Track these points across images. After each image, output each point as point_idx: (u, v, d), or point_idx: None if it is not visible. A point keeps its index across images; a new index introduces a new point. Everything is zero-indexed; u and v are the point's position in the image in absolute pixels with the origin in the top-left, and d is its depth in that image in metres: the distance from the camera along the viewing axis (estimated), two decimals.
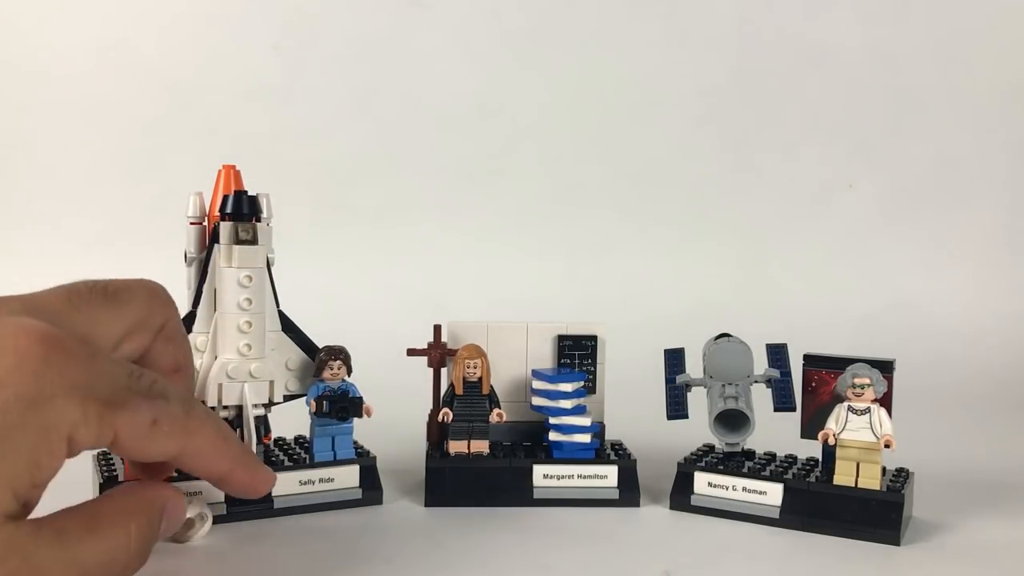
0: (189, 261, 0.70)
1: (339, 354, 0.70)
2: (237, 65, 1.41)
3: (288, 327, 0.71)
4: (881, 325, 1.33)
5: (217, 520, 0.66)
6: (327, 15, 1.43)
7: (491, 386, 0.72)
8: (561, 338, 0.77)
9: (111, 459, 0.69)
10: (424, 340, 0.76)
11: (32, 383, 0.43)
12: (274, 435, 0.75)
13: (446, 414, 0.72)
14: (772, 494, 0.69)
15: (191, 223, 0.70)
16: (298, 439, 0.75)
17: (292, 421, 0.74)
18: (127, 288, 0.52)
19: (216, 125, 1.38)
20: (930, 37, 1.45)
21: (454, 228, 1.43)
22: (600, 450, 0.74)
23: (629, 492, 0.72)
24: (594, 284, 1.39)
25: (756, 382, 0.73)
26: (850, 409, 0.66)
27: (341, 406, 0.69)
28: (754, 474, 0.70)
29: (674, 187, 1.46)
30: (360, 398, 0.70)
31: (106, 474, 0.66)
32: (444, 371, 0.76)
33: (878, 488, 0.66)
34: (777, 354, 0.75)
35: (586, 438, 0.73)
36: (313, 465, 0.70)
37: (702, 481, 0.71)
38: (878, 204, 1.46)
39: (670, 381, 0.76)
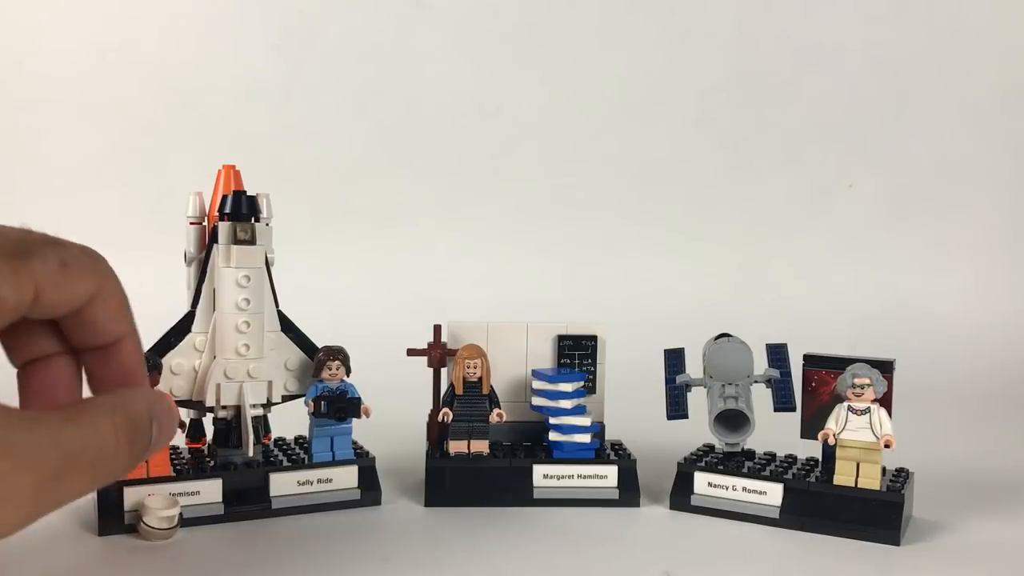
0: (189, 261, 0.70)
1: (338, 354, 0.69)
2: (237, 65, 1.41)
3: (288, 327, 0.71)
4: (881, 325, 1.33)
5: (215, 520, 0.66)
6: (327, 15, 1.43)
7: (491, 386, 0.72)
8: (561, 338, 0.77)
9: None
10: (424, 340, 0.76)
11: None
12: (275, 435, 0.75)
13: (446, 414, 0.72)
14: (772, 494, 0.69)
15: (191, 223, 0.70)
16: (298, 439, 0.75)
17: (293, 421, 0.74)
18: None
19: (216, 125, 1.37)
20: (930, 38, 1.45)
21: (454, 228, 1.43)
22: (600, 450, 0.74)
23: (629, 492, 0.72)
24: (594, 284, 1.39)
25: (756, 382, 0.73)
26: (850, 409, 0.66)
27: (339, 407, 0.69)
28: (754, 474, 0.70)
29: (674, 187, 1.46)
30: (358, 398, 0.70)
31: None
32: (444, 371, 0.76)
33: (878, 488, 0.66)
34: (777, 354, 0.75)
35: (586, 438, 0.73)
36: (311, 466, 0.70)
37: (702, 481, 0.71)
38: (878, 204, 1.46)
39: (670, 381, 0.76)
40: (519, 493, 0.72)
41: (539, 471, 0.72)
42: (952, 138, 1.45)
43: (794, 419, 0.72)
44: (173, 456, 0.69)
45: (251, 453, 0.68)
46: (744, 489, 0.70)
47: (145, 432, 0.46)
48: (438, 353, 0.76)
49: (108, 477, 0.44)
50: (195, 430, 0.74)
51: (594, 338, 0.77)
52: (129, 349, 0.49)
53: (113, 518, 0.64)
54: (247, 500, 0.68)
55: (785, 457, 0.73)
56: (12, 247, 0.44)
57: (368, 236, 1.41)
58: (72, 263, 0.46)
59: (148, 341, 0.66)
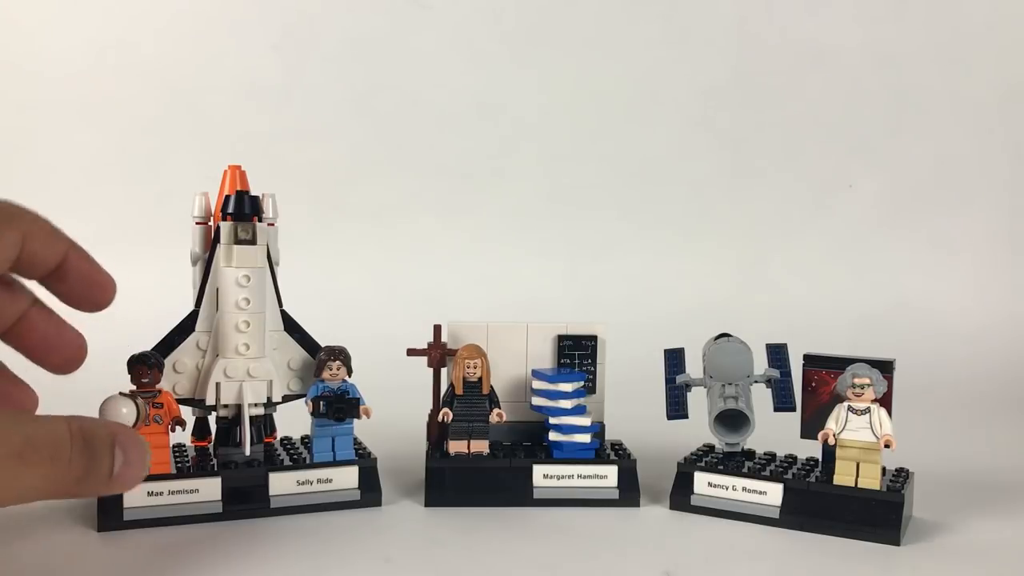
0: (194, 260, 0.70)
1: (339, 354, 0.69)
2: (237, 65, 1.41)
3: (292, 327, 0.71)
4: (881, 325, 1.33)
5: (214, 519, 0.66)
6: (327, 15, 1.43)
7: (491, 386, 0.72)
8: (561, 338, 0.77)
9: None
10: (424, 340, 0.76)
11: None
12: (282, 435, 0.75)
13: (446, 414, 0.72)
14: (772, 494, 0.69)
15: (197, 223, 0.70)
16: (304, 439, 0.75)
17: (301, 421, 0.74)
18: None
19: (216, 125, 1.38)
20: (930, 37, 1.45)
21: (454, 228, 1.43)
22: (600, 450, 0.74)
23: (629, 492, 0.72)
24: (594, 284, 1.39)
25: (756, 382, 0.73)
26: (850, 409, 0.66)
27: (337, 407, 0.69)
28: (754, 474, 0.70)
29: (674, 187, 1.46)
30: (358, 399, 0.70)
31: None
32: (444, 371, 0.76)
33: (878, 488, 0.66)
34: (777, 354, 0.75)
35: (586, 438, 0.73)
36: (311, 465, 0.70)
37: (702, 481, 0.71)
38: (878, 204, 1.46)
39: (670, 381, 0.76)
40: (519, 493, 0.72)
41: (539, 471, 0.72)
42: (952, 138, 1.46)
43: (794, 419, 0.73)
44: (176, 454, 0.69)
45: (248, 452, 0.68)
46: (744, 489, 0.70)
47: (103, 450, 0.46)
48: (438, 353, 0.76)
49: (64, 480, 0.44)
50: (201, 429, 0.74)
51: (594, 338, 0.77)
52: (75, 259, 0.52)
53: (113, 514, 0.64)
54: (246, 499, 0.68)
55: (785, 457, 0.73)
56: None
57: (368, 236, 1.41)
58: None
59: (152, 340, 0.67)
